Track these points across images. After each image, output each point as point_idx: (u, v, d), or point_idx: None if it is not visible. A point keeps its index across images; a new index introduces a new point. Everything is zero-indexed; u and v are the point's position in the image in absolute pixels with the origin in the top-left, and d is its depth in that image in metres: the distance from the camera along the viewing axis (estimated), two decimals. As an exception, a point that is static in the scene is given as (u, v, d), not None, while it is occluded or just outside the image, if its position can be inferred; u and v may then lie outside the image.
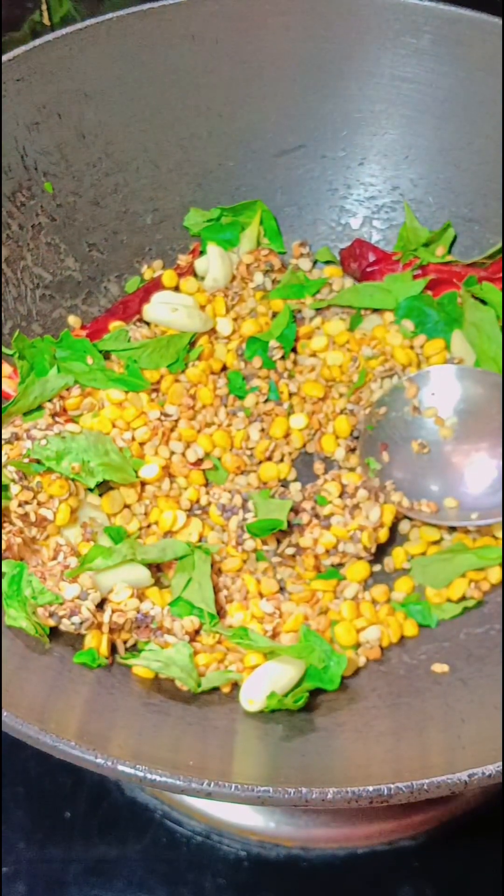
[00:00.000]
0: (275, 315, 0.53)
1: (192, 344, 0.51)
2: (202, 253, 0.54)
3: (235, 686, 0.42)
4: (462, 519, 0.47)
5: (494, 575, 0.46)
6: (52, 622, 0.41)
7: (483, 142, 0.51)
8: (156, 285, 0.53)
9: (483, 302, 0.52)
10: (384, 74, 0.53)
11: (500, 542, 0.47)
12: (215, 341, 0.52)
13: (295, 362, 0.53)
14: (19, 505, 0.43)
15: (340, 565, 0.47)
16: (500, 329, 0.51)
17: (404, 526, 0.48)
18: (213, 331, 0.52)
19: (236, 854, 0.48)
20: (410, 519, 0.48)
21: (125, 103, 0.51)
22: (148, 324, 0.52)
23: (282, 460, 0.50)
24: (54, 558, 0.43)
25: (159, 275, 0.53)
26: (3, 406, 0.46)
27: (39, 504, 0.43)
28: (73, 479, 0.44)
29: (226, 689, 0.42)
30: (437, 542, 0.48)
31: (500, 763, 0.32)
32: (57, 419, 0.47)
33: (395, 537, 0.48)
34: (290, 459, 0.50)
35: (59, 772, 0.50)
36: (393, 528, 0.48)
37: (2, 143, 0.48)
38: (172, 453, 0.48)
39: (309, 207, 0.56)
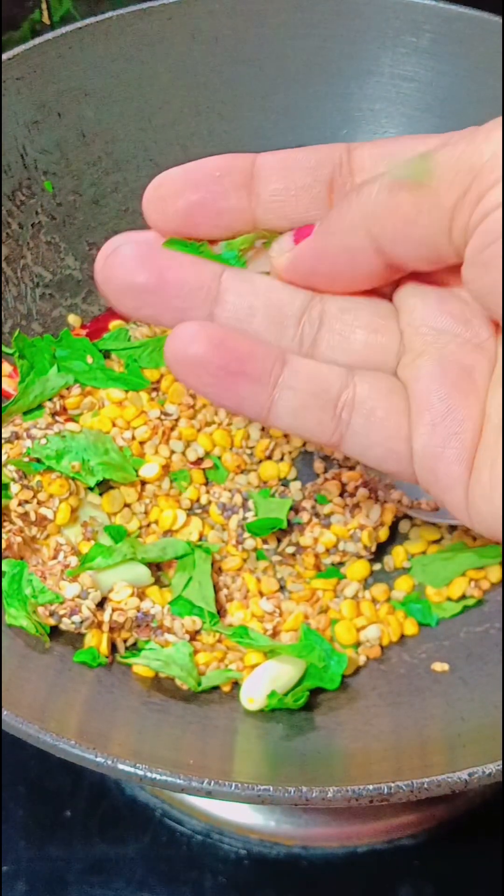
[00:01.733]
0: (275, 314, 0.53)
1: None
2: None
3: (235, 685, 0.42)
4: (462, 518, 0.46)
5: (494, 574, 0.46)
6: (52, 621, 0.41)
7: (483, 140, 0.51)
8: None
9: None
10: (384, 73, 0.53)
11: (501, 540, 0.47)
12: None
13: (295, 361, 0.53)
14: (19, 504, 0.43)
15: (341, 564, 0.47)
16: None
17: (404, 525, 0.48)
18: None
19: (237, 853, 0.48)
20: (410, 518, 0.48)
21: (125, 102, 0.51)
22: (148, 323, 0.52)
23: (282, 459, 0.50)
24: (54, 557, 0.43)
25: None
26: (3, 405, 0.46)
27: (39, 503, 0.43)
28: (73, 478, 0.44)
29: (226, 688, 0.42)
30: (437, 541, 0.48)
31: (501, 762, 0.32)
32: (57, 418, 0.47)
33: (395, 536, 0.48)
34: (290, 458, 0.50)
35: (60, 771, 0.50)
36: (393, 527, 0.48)
37: (1, 142, 0.48)
38: (172, 452, 0.48)
39: (309, 206, 0.56)
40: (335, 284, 0.29)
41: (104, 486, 0.46)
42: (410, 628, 0.46)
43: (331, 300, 0.30)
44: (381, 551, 0.48)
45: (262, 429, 0.50)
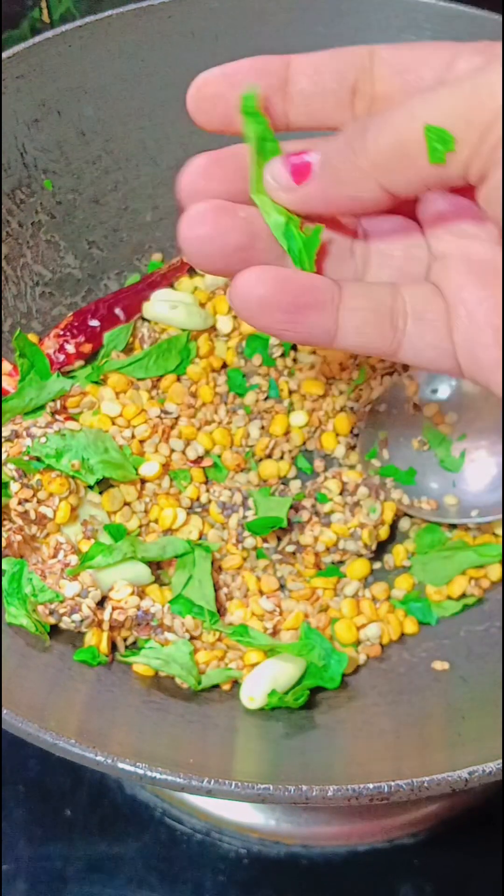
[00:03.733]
0: (275, 312, 0.53)
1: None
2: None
3: (236, 683, 0.42)
4: (462, 516, 0.47)
5: (494, 572, 0.46)
6: (52, 620, 0.41)
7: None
8: (152, 284, 0.53)
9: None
10: (384, 71, 0.52)
11: (501, 539, 0.47)
12: (215, 339, 0.52)
13: (295, 360, 0.52)
14: (19, 503, 0.43)
15: (341, 563, 0.47)
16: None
17: (404, 523, 0.48)
18: (213, 328, 0.52)
19: (236, 852, 0.48)
20: (411, 517, 0.48)
21: (125, 100, 0.51)
22: (148, 322, 0.52)
23: (282, 458, 0.50)
24: (54, 556, 0.43)
25: (158, 270, 0.53)
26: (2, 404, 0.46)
27: (39, 502, 0.43)
28: (72, 477, 0.44)
29: (226, 687, 0.42)
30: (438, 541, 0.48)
31: (501, 760, 0.32)
32: (57, 417, 0.47)
33: (395, 535, 0.48)
34: (290, 457, 0.50)
35: (60, 770, 0.50)
36: (393, 526, 0.48)
37: (1, 141, 0.48)
38: (172, 451, 0.48)
39: (309, 205, 0.56)
40: (344, 213, 0.32)
41: (104, 485, 0.46)
42: (411, 627, 0.45)
43: (373, 236, 0.33)
44: (381, 550, 0.48)
45: (262, 427, 0.50)
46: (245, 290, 0.30)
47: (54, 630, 0.42)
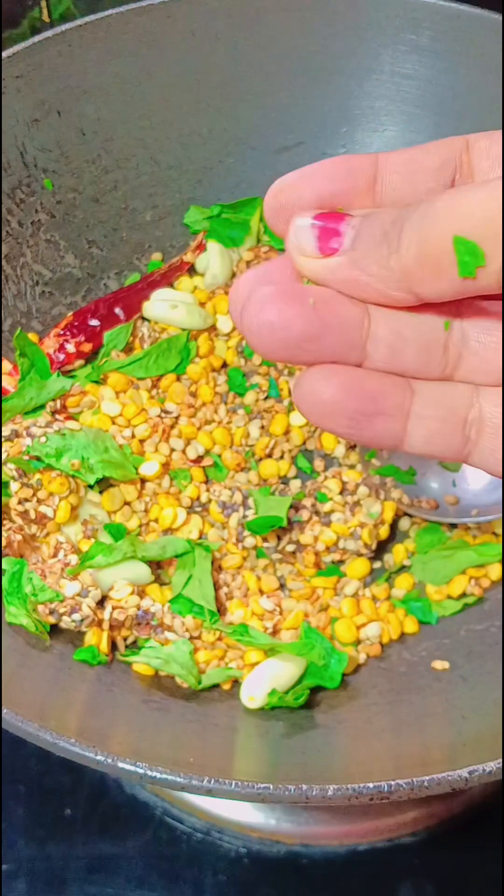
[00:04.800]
0: (275, 312, 0.53)
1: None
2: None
3: (236, 683, 0.42)
4: (462, 516, 0.47)
5: (494, 572, 0.46)
6: (52, 619, 0.41)
7: (483, 138, 0.51)
8: (152, 283, 0.53)
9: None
10: (384, 71, 0.52)
11: (501, 538, 0.47)
12: (215, 338, 0.52)
13: (295, 359, 0.52)
14: (19, 502, 0.43)
15: (341, 562, 0.47)
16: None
17: (404, 523, 0.48)
18: (213, 328, 0.52)
19: (237, 851, 0.48)
20: (411, 516, 0.48)
21: (125, 100, 0.51)
22: (148, 321, 0.52)
23: (282, 457, 0.50)
24: (54, 556, 0.43)
25: (158, 269, 0.53)
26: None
27: (39, 501, 0.43)
28: (72, 476, 0.44)
29: (226, 687, 0.42)
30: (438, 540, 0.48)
31: (501, 760, 0.32)
32: (57, 416, 0.47)
33: (395, 534, 0.48)
34: (290, 456, 0.50)
35: (60, 769, 0.50)
36: (393, 525, 0.48)
37: (1, 140, 0.48)
38: (172, 450, 0.48)
39: (309, 204, 0.56)
40: (367, 301, 0.29)
41: (104, 484, 0.46)
42: (411, 626, 0.46)
43: (470, 322, 0.29)
44: (381, 549, 0.48)
45: (262, 427, 0.50)
46: (310, 391, 0.28)
47: (54, 630, 0.42)
